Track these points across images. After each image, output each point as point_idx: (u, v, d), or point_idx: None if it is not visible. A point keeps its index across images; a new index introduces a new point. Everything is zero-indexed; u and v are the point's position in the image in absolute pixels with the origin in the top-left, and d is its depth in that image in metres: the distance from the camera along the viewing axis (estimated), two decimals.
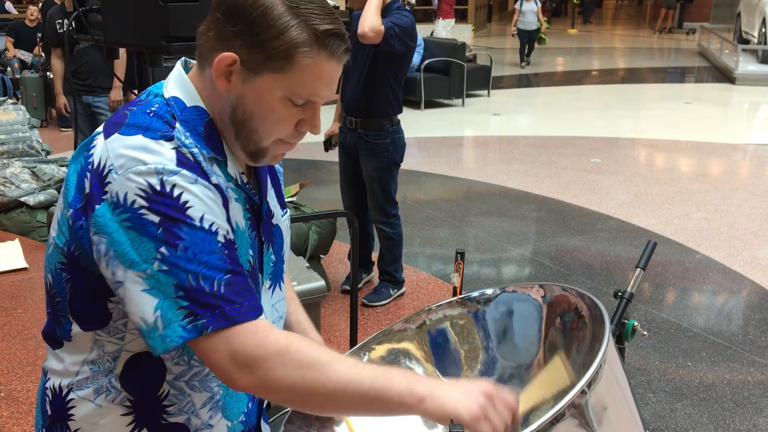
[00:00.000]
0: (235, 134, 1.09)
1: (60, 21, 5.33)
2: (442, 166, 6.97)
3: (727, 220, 5.47)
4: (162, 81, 1.14)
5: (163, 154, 1.00)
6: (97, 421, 1.12)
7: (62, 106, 5.68)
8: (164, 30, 2.06)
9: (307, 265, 3.18)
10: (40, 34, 9.86)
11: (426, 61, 9.79)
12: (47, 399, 1.17)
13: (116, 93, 5.50)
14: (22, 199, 5.11)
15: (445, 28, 13.30)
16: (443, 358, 1.65)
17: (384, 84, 3.71)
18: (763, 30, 13.46)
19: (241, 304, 0.99)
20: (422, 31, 12.65)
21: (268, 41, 1.01)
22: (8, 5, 13.15)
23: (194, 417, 1.15)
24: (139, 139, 1.01)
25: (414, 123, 9.01)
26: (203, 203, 1.00)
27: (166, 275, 0.97)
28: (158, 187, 0.98)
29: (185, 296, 0.97)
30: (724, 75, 13.01)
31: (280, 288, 1.28)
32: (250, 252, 1.13)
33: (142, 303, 0.98)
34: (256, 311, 1.01)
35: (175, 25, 2.06)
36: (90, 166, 1.02)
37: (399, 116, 3.87)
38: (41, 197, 5.13)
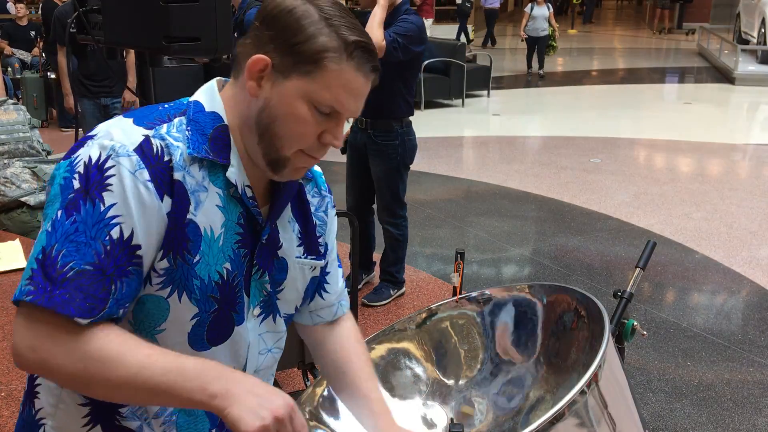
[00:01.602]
0: (258, 138, 1.11)
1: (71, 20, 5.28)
2: (442, 166, 6.98)
3: (727, 220, 5.48)
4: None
5: (130, 137, 1.06)
6: (55, 403, 1.15)
7: (72, 106, 5.52)
8: (164, 30, 2.07)
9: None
10: (34, 33, 9.85)
11: (426, 62, 9.78)
12: (28, 375, 1.20)
13: (131, 94, 5.41)
14: (23, 199, 5.11)
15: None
16: (443, 357, 1.66)
17: (393, 87, 3.71)
18: (763, 30, 13.46)
19: (73, 298, 0.98)
20: None
21: (299, 44, 1.06)
22: (9, 5, 13.13)
23: (147, 427, 1.14)
24: (128, 122, 1.09)
25: (414, 123, 9.01)
26: (123, 195, 1.02)
27: (45, 236, 1.01)
28: (101, 161, 1.03)
29: (41, 260, 1.00)
30: (724, 75, 13.01)
31: (274, 321, 1.24)
32: (226, 265, 1.12)
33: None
34: (85, 312, 0.99)
35: (175, 25, 2.06)
36: (89, 131, 1.11)
37: (411, 118, 3.87)
38: (42, 197, 5.14)
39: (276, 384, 2.84)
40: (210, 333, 1.14)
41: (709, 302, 4.15)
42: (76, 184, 1.02)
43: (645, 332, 1.70)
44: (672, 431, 2.95)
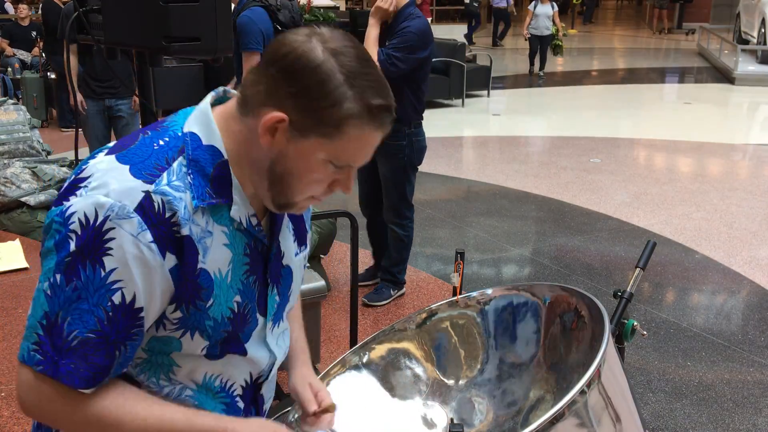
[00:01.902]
0: (269, 185, 1.09)
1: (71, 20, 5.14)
2: (442, 166, 6.98)
3: (727, 220, 5.48)
4: (195, 106, 1.14)
5: (129, 194, 1.01)
6: None
7: (80, 104, 5.29)
8: (165, 30, 2.06)
9: (307, 265, 3.18)
10: (35, 33, 9.85)
11: None
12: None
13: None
14: (23, 199, 5.11)
15: None
16: (443, 357, 1.66)
17: (401, 93, 3.68)
18: (763, 30, 13.47)
19: (78, 368, 1.02)
20: None
21: (322, 109, 1.01)
22: (7, 6, 13.14)
23: None
24: (123, 171, 1.03)
25: None
26: (124, 260, 1.00)
27: (46, 299, 1.01)
28: (99, 222, 0.99)
29: (45, 327, 1.01)
30: (724, 75, 13.01)
31: (284, 320, 1.29)
32: (236, 298, 1.13)
33: (31, 305, 1.05)
34: (89, 382, 1.03)
35: (175, 25, 2.06)
36: (79, 171, 1.06)
37: (423, 118, 3.87)
38: (42, 197, 5.14)
39: (276, 386, 2.84)
40: (222, 350, 1.16)
41: (709, 302, 4.15)
42: (72, 246, 1.00)
43: (645, 332, 1.70)
44: (672, 431, 2.95)
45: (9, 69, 9.53)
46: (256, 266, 1.16)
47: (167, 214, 1.02)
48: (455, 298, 1.69)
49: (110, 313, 1.01)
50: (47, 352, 1.01)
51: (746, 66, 12.67)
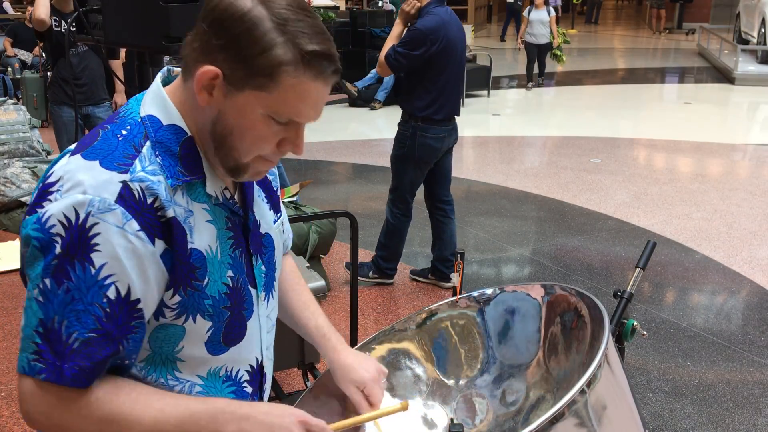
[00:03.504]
0: (215, 149, 1.06)
1: (56, 19, 4.76)
2: None
3: (727, 220, 5.48)
4: (134, 101, 1.11)
5: (106, 186, 0.98)
6: None
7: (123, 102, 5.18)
8: (165, 30, 2.06)
9: (308, 265, 3.18)
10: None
11: None
12: None
13: (121, 97, 5.18)
14: (23, 199, 5.11)
15: None
16: (443, 357, 1.66)
17: (412, 84, 3.84)
18: (763, 30, 13.46)
19: (83, 369, 0.99)
20: None
21: (252, 58, 0.98)
22: (6, 5, 13.15)
23: None
24: (94, 166, 1.00)
25: None
26: (113, 253, 0.98)
27: (39, 306, 0.99)
28: (81, 220, 0.97)
29: (43, 334, 0.98)
30: (724, 75, 13.01)
31: (273, 296, 1.27)
32: (229, 273, 1.12)
33: (23, 315, 1.02)
34: (89, 379, 1.01)
35: (175, 25, 2.06)
36: (45, 178, 1.03)
37: (392, 114, 3.95)
38: None
39: (275, 383, 2.84)
40: (226, 337, 1.15)
41: (709, 302, 4.15)
42: (58, 248, 0.97)
43: (645, 332, 1.70)
44: (672, 431, 2.95)
45: (9, 69, 9.53)
46: (240, 239, 1.15)
47: (149, 200, 1.01)
48: (455, 298, 1.69)
49: (107, 309, 0.99)
50: (48, 360, 0.98)
51: (746, 66, 12.67)
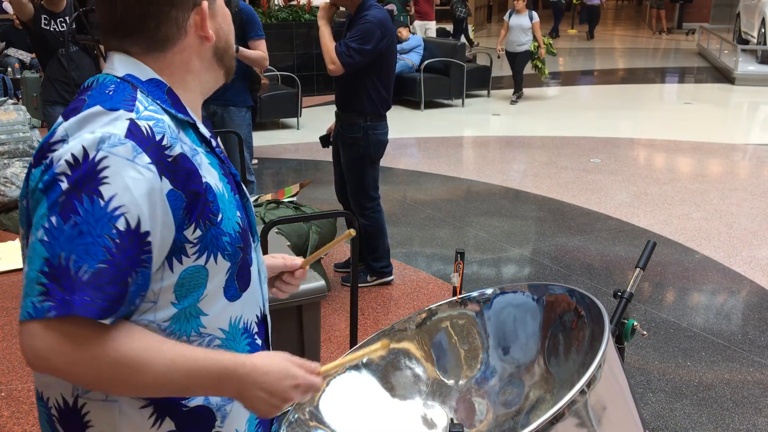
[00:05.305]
0: (218, 64, 1.19)
1: (46, 17, 4.49)
2: (442, 166, 6.98)
3: (727, 220, 5.48)
4: (102, 74, 1.13)
5: (114, 123, 1.01)
6: (116, 420, 1.09)
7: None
8: None
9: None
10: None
11: (426, 62, 9.80)
12: (54, 419, 1.12)
13: None
14: None
15: (420, 29, 12.85)
16: (443, 357, 1.66)
17: (358, 83, 3.75)
18: (763, 30, 13.46)
19: (94, 300, 0.95)
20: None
21: None
22: (6, 5, 13.14)
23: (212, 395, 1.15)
24: (96, 108, 1.03)
25: (414, 123, 9.01)
26: (123, 184, 0.97)
27: (44, 246, 0.96)
28: (90, 156, 0.97)
29: (49, 273, 0.95)
30: (724, 75, 13.01)
31: (259, 249, 1.31)
32: (238, 214, 1.16)
33: (26, 264, 0.99)
34: (107, 312, 0.97)
35: None
36: (46, 140, 1.03)
37: (387, 114, 3.90)
38: None
39: None
40: (240, 280, 1.17)
41: (709, 302, 4.15)
42: (64, 185, 0.96)
43: (645, 332, 1.70)
44: (672, 431, 2.95)
45: (9, 69, 9.53)
46: (234, 186, 1.19)
47: (157, 138, 1.03)
48: (455, 298, 1.69)
49: (117, 241, 0.97)
50: (57, 296, 0.94)
51: (746, 66, 12.66)
